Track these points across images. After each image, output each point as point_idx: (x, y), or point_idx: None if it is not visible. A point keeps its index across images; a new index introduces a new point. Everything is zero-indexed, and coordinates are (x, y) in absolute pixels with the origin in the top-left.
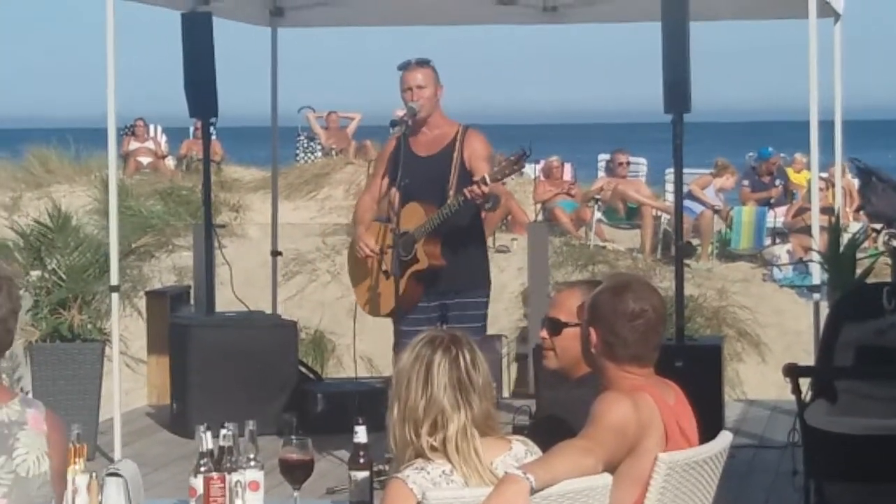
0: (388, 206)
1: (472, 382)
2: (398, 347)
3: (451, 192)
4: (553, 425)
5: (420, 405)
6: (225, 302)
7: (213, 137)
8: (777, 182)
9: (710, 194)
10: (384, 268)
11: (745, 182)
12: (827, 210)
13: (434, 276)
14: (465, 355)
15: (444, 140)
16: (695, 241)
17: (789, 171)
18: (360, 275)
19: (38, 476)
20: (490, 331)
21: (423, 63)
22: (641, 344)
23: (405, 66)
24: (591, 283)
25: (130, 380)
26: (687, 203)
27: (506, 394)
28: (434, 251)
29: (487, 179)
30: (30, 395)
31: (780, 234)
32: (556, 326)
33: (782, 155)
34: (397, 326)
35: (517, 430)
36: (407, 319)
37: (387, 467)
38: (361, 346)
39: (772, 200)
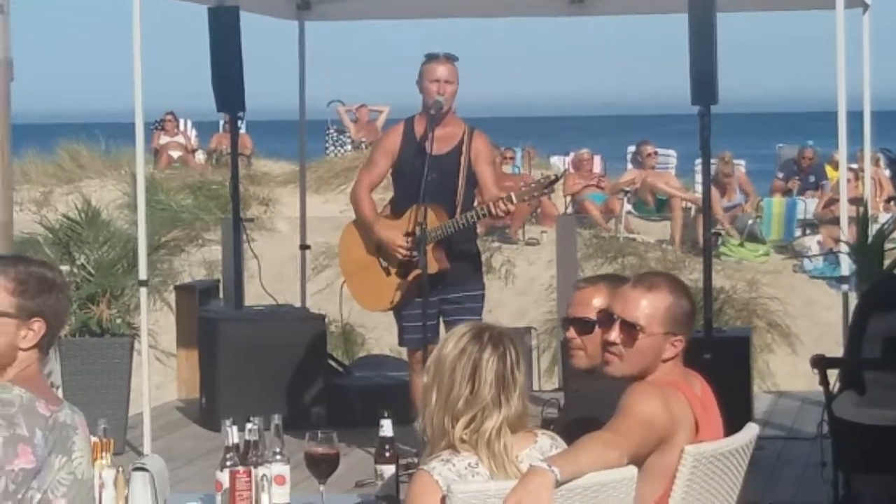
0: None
1: (515, 381)
2: (405, 342)
3: (461, 196)
4: (582, 419)
5: (462, 398)
6: (254, 296)
7: (242, 131)
8: (811, 178)
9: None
10: (383, 264)
11: (780, 174)
12: (856, 201)
13: (436, 276)
14: (511, 353)
15: (453, 140)
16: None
17: (828, 168)
18: (357, 267)
19: (90, 479)
20: (520, 323)
21: (451, 58)
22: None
23: (433, 58)
24: (613, 278)
25: (160, 374)
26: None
27: (536, 387)
28: (441, 256)
29: (514, 199)
30: (59, 391)
31: (810, 226)
32: (584, 326)
33: (817, 148)
34: (401, 322)
35: (546, 423)
36: (404, 315)
37: (415, 460)
38: (392, 339)
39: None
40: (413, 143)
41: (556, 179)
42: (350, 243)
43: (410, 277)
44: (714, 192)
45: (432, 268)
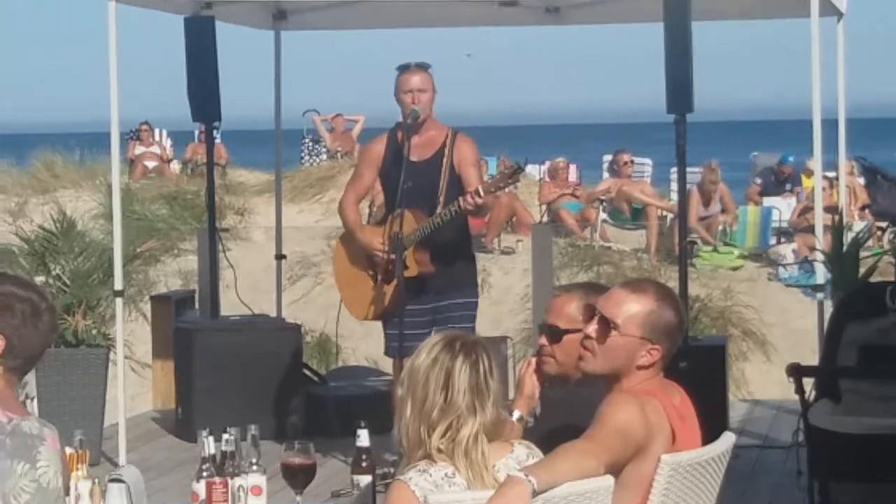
0: (378, 210)
1: (489, 388)
2: (390, 351)
3: (442, 199)
4: (559, 426)
5: (437, 407)
6: (230, 306)
7: (218, 141)
8: (788, 186)
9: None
10: (370, 272)
11: (758, 180)
12: (831, 209)
13: (422, 281)
14: (484, 360)
15: (435, 145)
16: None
17: (803, 176)
18: (348, 278)
19: (56, 490)
20: (495, 332)
21: (423, 67)
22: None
23: (405, 69)
24: (588, 287)
25: (136, 384)
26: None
27: (511, 396)
28: (424, 258)
29: (481, 191)
30: (35, 402)
31: (785, 234)
32: (556, 334)
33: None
34: (386, 330)
35: (524, 430)
36: (396, 323)
37: (391, 470)
38: (368, 348)
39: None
40: (396, 152)
41: (520, 169)
42: (340, 255)
43: (395, 284)
44: (695, 196)
45: (412, 271)
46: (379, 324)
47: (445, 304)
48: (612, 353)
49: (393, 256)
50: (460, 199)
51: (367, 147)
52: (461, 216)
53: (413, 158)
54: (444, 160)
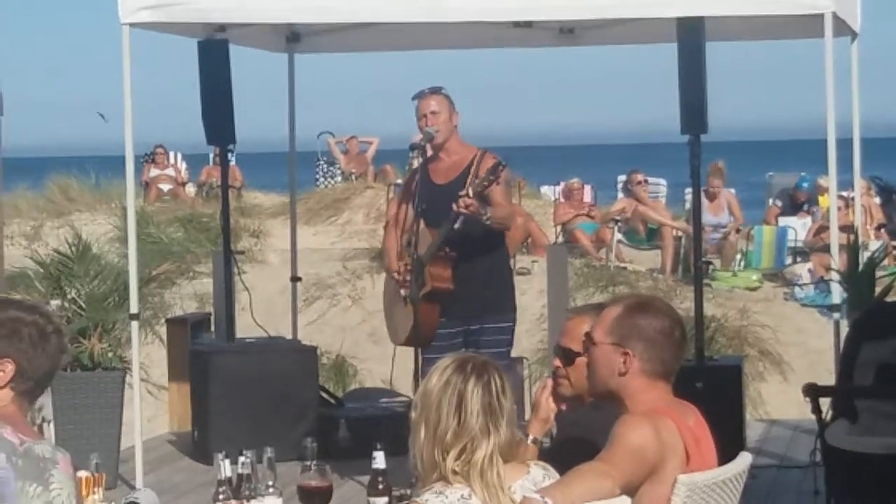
0: (410, 234)
1: (502, 408)
2: (422, 376)
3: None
4: (574, 446)
5: (451, 430)
6: (245, 328)
7: (233, 164)
8: (805, 207)
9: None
10: (403, 295)
11: (778, 203)
12: (846, 228)
13: (446, 299)
14: (496, 381)
15: (461, 166)
16: (716, 261)
17: (819, 197)
18: (387, 306)
19: None
20: (511, 353)
21: (436, 90)
22: (677, 359)
23: (419, 96)
24: (601, 308)
25: (153, 407)
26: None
27: (527, 417)
28: (442, 274)
29: (470, 192)
30: (51, 425)
31: (801, 254)
32: (569, 356)
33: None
34: (421, 355)
35: (540, 451)
36: (430, 347)
37: (409, 492)
38: (384, 370)
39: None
40: (422, 178)
41: (503, 165)
42: (385, 284)
43: (419, 301)
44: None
45: (428, 286)
46: (400, 348)
47: (478, 327)
48: (591, 370)
49: (408, 279)
50: (454, 205)
51: (404, 183)
52: (479, 226)
53: (439, 182)
54: (469, 179)
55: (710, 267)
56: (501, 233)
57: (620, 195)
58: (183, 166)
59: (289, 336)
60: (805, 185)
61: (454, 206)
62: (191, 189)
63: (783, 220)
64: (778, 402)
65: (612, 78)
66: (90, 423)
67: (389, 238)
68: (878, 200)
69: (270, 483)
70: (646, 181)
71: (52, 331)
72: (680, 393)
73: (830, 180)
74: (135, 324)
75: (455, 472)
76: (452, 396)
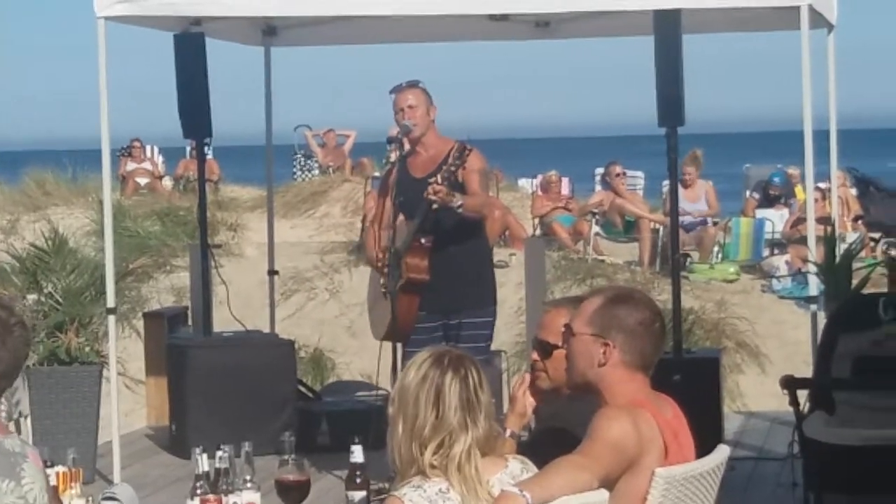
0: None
1: (480, 402)
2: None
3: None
4: (552, 439)
5: (428, 425)
6: (223, 322)
7: (209, 157)
8: (781, 199)
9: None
10: (382, 289)
11: (755, 195)
12: (823, 220)
13: (424, 291)
14: (473, 375)
15: (438, 159)
16: (694, 254)
17: (796, 188)
18: (372, 302)
19: None
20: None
21: (413, 84)
22: (657, 351)
23: (396, 90)
24: (577, 300)
25: (130, 401)
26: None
27: (505, 410)
28: (418, 265)
29: (439, 178)
30: (28, 420)
31: (778, 245)
32: (546, 349)
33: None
34: (402, 348)
35: (518, 444)
36: (410, 341)
37: (387, 485)
38: (362, 363)
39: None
40: (401, 171)
41: (468, 149)
42: (369, 281)
43: (396, 293)
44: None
45: (403, 277)
46: (374, 338)
47: (456, 322)
48: (570, 361)
49: (387, 270)
50: (424, 193)
51: (382, 178)
52: (454, 216)
53: (417, 175)
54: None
55: (688, 259)
56: (480, 225)
57: (598, 188)
58: (160, 160)
59: (266, 330)
60: (777, 179)
61: (424, 195)
62: (167, 182)
63: (761, 213)
64: (756, 394)
65: (590, 71)
66: (67, 418)
67: (369, 234)
68: (854, 192)
69: (248, 477)
70: (623, 174)
71: (15, 323)
72: (658, 386)
73: (808, 172)
74: (112, 318)
75: (433, 467)
76: (430, 391)
